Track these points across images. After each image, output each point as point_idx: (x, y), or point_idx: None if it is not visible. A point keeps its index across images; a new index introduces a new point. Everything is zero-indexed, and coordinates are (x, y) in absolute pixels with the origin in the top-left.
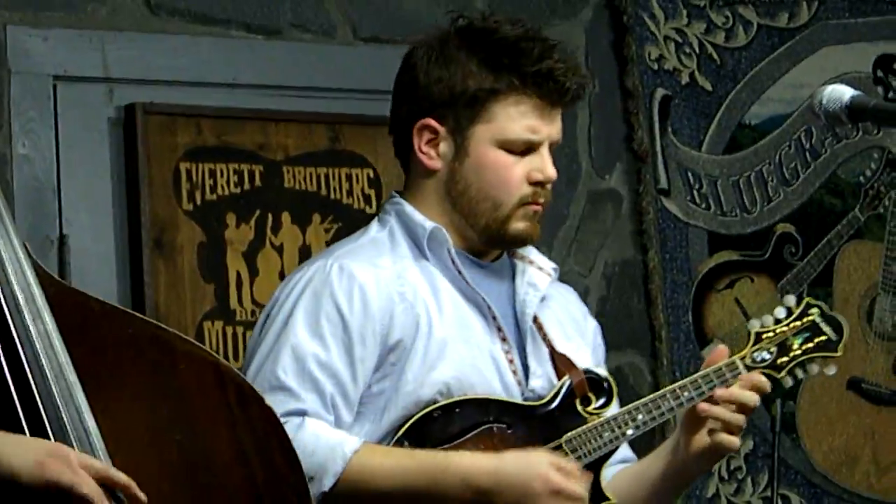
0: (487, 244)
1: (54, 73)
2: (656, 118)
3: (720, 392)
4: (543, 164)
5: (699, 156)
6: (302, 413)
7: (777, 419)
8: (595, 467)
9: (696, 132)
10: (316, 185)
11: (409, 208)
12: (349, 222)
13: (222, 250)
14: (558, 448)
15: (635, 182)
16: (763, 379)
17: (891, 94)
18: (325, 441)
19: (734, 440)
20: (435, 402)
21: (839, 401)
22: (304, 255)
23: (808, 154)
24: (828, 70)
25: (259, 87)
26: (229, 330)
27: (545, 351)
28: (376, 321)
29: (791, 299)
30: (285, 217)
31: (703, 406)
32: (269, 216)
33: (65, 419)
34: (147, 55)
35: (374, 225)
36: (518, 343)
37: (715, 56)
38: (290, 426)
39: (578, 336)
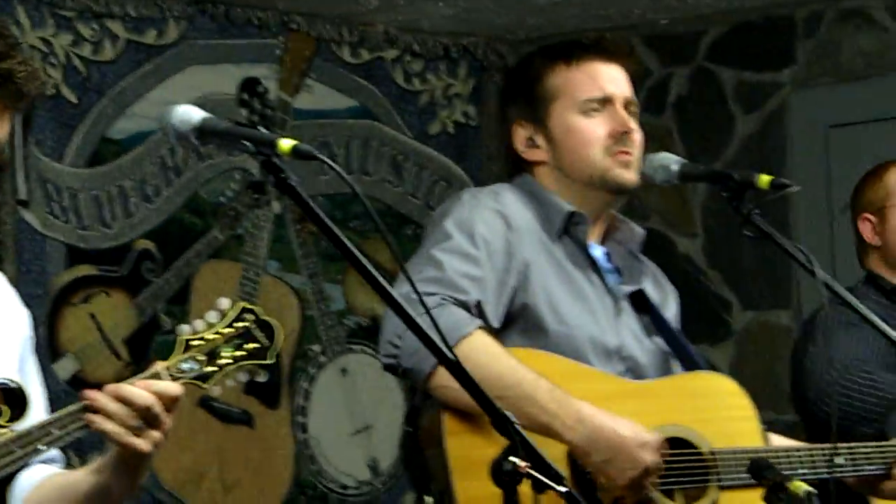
0: None
1: None
2: (18, 128)
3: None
4: None
5: (61, 168)
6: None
7: None
8: (3, 485)
9: (59, 144)
10: None
11: None
12: None
13: None
14: None
15: None
16: (159, 384)
17: (254, 117)
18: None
19: (115, 429)
20: None
21: (189, 419)
22: None
23: (171, 172)
24: (195, 89)
25: None
26: None
27: None
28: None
29: (224, 302)
30: None
31: (86, 392)
32: None
33: None
34: None
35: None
36: None
37: (81, 68)
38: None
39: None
